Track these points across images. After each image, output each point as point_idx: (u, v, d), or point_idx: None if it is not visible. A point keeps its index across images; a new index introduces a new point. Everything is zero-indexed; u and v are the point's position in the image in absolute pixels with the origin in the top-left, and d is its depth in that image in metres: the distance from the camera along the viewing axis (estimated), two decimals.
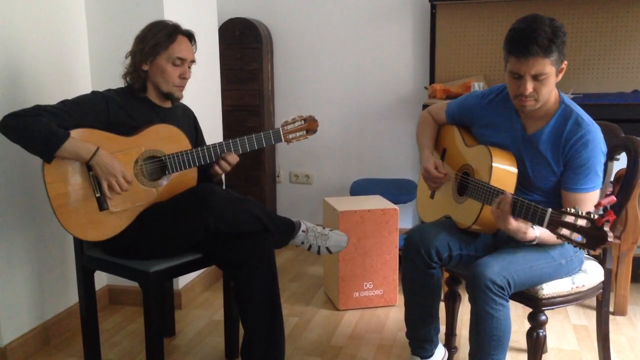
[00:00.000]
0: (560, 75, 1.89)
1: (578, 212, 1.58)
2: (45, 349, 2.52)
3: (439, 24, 3.62)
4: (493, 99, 2.07)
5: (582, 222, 1.56)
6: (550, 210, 1.65)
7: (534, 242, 1.82)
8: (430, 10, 3.62)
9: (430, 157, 2.17)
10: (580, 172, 1.85)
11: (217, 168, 2.20)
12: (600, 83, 3.43)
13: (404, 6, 3.76)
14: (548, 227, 1.65)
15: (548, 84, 1.83)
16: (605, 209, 1.55)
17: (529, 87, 1.81)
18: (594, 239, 1.54)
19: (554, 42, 1.76)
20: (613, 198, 1.59)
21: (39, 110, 1.93)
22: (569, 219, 1.58)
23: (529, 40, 1.75)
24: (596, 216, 1.54)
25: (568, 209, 1.61)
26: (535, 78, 1.80)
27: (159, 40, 2.11)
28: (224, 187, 2.38)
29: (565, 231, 1.59)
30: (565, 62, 1.86)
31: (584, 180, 1.85)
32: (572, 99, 3.01)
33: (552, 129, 1.91)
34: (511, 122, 2.00)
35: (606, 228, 1.52)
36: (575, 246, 1.59)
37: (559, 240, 1.84)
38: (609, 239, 1.51)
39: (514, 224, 1.76)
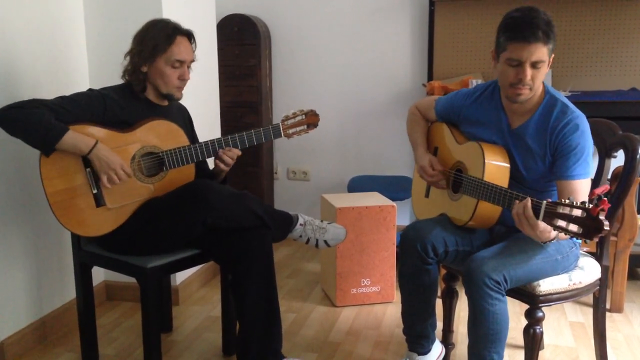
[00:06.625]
0: (548, 68, 1.90)
1: (573, 203, 1.57)
2: (42, 345, 2.52)
3: (438, 21, 3.62)
4: (479, 96, 2.08)
5: (577, 212, 1.55)
6: (545, 202, 1.64)
7: (553, 240, 1.76)
8: (429, 7, 3.62)
9: (425, 154, 2.17)
10: (571, 157, 1.84)
11: (219, 164, 2.18)
12: (598, 81, 3.43)
13: (403, 3, 3.76)
14: (544, 219, 1.63)
15: (543, 73, 1.85)
16: (599, 198, 1.53)
17: (529, 73, 1.82)
18: (590, 229, 1.53)
19: (551, 30, 1.80)
20: (607, 186, 1.58)
21: (37, 103, 1.92)
22: (564, 210, 1.58)
23: (532, 26, 1.77)
24: (591, 206, 1.53)
25: (563, 200, 1.60)
26: (534, 65, 1.81)
27: (158, 42, 2.07)
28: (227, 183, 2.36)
29: (561, 222, 1.58)
30: (553, 56, 1.88)
31: (574, 165, 1.84)
32: (570, 96, 3.04)
33: (538, 120, 1.92)
34: (498, 118, 2.01)
35: (601, 217, 1.51)
36: (571, 237, 1.58)
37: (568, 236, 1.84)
38: (605, 228, 1.50)
39: (541, 225, 1.68)
